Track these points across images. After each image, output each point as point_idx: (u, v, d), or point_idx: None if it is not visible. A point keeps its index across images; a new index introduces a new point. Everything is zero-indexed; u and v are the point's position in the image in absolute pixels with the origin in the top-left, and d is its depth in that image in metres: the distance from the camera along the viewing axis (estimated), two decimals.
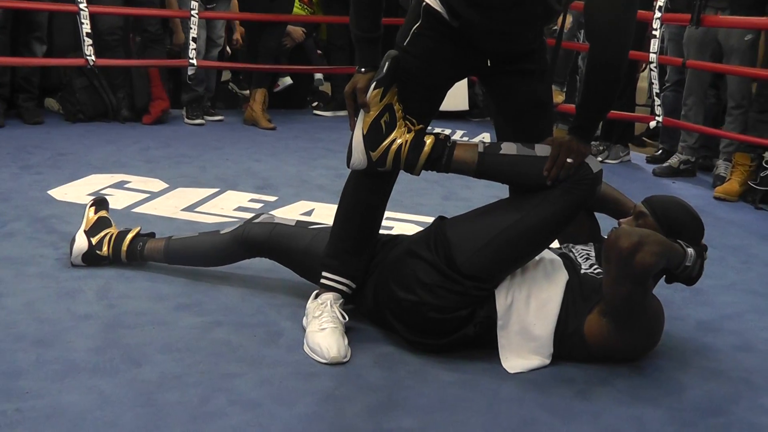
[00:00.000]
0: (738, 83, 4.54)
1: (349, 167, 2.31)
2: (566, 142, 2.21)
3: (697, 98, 4.76)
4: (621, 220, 2.39)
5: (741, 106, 4.53)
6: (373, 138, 2.24)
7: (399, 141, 2.24)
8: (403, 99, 2.26)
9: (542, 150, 2.23)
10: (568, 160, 2.18)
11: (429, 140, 2.26)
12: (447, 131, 5.65)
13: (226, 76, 6.40)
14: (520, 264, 2.28)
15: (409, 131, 2.26)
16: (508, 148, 2.27)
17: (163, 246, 2.68)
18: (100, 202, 2.83)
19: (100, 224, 2.74)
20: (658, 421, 2.03)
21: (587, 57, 2.19)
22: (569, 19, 4.98)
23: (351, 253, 2.36)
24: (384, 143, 2.24)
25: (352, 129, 2.27)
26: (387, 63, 2.21)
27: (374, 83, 2.21)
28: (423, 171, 2.30)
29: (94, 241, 2.70)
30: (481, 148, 2.27)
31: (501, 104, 2.42)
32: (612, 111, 4.89)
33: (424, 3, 2.25)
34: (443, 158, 2.27)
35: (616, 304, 2.16)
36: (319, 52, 6.51)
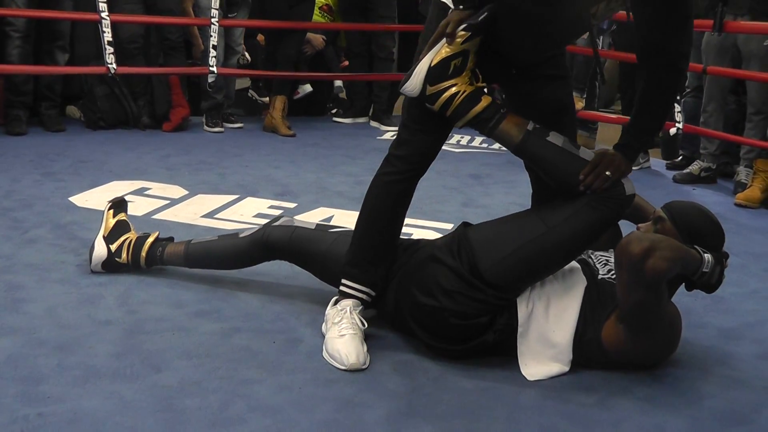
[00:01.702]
0: (758, 89, 4.51)
1: (400, 90, 2.28)
2: (610, 155, 2.21)
3: (717, 104, 4.74)
4: (639, 225, 2.38)
5: (761, 112, 4.50)
6: (437, 73, 2.20)
7: (457, 88, 2.21)
8: None
9: (585, 154, 2.23)
10: (607, 173, 2.18)
11: (485, 99, 2.24)
12: (467, 138, 5.65)
13: (242, 83, 6.42)
14: (541, 277, 2.27)
15: (470, 84, 2.23)
16: (555, 138, 2.25)
17: (183, 250, 2.69)
18: (118, 204, 2.83)
19: (119, 229, 2.75)
20: (678, 430, 2.02)
21: (651, 80, 2.20)
22: None
23: (371, 262, 2.37)
24: (444, 84, 2.20)
25: (421, 57, 2.23)
26: (486, 14, 2.17)
27: (466, 24, 2.17)
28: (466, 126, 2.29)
29: (113, 248, 2.71)
30: (530, 127, 2.25)
31: (523, 110, 2.41)
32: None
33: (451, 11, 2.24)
34: (491, 121, 2.24)
35: (630, 310, 2.15)
36: (345, 63, 6.50)
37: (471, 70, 2.23)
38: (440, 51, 2.20)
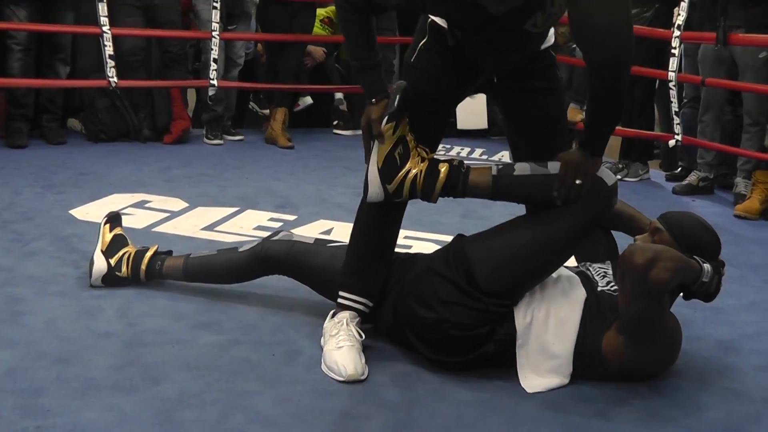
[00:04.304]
0: (754, 100, 4.52)
1: (365, 201, 2.32)
2: (573, 160, 2.21)
3: (713, 114, 4.75)
4: (637, 236, 2.39)
5: (758, 123, 4.52)
6: (388, 170, 2.25)
7: (414, 171, 2.25)
8: (412, 115, 2.27)
9: (555, 167, 2.24)
10: (577, 182, 2.19)
11: (443, 168, 2.27)
12: (467, 150, 5.65)
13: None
14: (540, 279, 2.28)
15: (422, 160, 2.27)
16: (522, 168, 2.28)
17: (182, 264, 2.70)
18: (113, 219, 2.83)
19: (117, 243, 2.75)
20: None
21: (591, 75, 2.16)
22: None
23: (367, 272, 2.37)
24: (399, 174, 2.25)
25: (367, 162, 2.28)
26: (398, 96, 2.22)
27: (387, 117, 2.22)
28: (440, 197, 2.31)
29: (113, 262, 2.71)
30: (494, 171, 2.29)
31: (513, 121, 2.43)
32: (631, 129, 4.94)
33: (430, 19, 2.27)
34: (459, 184, 2.28)
35: (632, 320, 2.16)
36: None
37: (415, 147, 2.27)
38: (379, 151, 2.25)
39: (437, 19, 2.25)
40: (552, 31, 2.31)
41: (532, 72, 2.31)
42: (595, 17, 2.03)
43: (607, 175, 2.25)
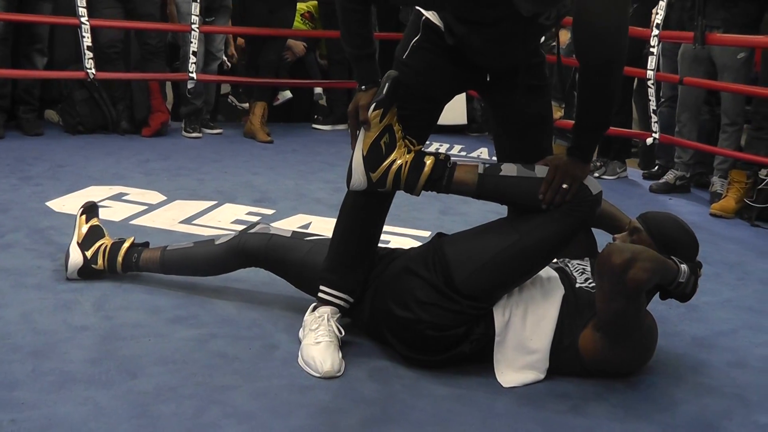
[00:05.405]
0: (732, 100, 4.57)
1: (348, 188, 2.31)
2: (563, 165, 2.20)
3: (691, 114, 4.79)
4: (616, 235, 2.41)
5: (735, 123, 4.57)
6: (373, 159, 2.24)
7: (399, 162, 2.25)
8: (402, 112, 2.26)
9: (542, 171, 2.23)
10: (564, 186, 2.19)
11: (429, 161, 2.26)
12: (445, 146, 5.67)
13: (225, 89, 6.42)
14: (518, 284, 2.28)
15: (408, 152, 2.26)
16: (509, 169, 2.27)
17: (159, 256, 2.68)
18: (90, 209, 2.80)
19: (93, 235, 2.73)
20: None
21: (579, 69, 2.19)
22: (567, 35, 5.01)
23: (349, 268, 2.37)
24: (384, 164, 2.24)
25: (353, 149, 2.28)
26: (387, 84, 2.21)
27: (374, 104, 2.21)
28: (423, 191, 2.31)
29: (88, 254, 2.69)
30: (481, 170, 2.27)
31: (501, 119, 2.43)
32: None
33: (424, 17, 2.26)
34: (443, 179, 2.27)
35: (610, 319, 2.17)
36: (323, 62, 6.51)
37: (402, 138, 2.26)
38: (365, 138, 2.24)
39: (432, 17, 2.24)
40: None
41: (525, 69, 2.31)
42: (596, 14, 2.03)
43: (592, 183, 2.24)
